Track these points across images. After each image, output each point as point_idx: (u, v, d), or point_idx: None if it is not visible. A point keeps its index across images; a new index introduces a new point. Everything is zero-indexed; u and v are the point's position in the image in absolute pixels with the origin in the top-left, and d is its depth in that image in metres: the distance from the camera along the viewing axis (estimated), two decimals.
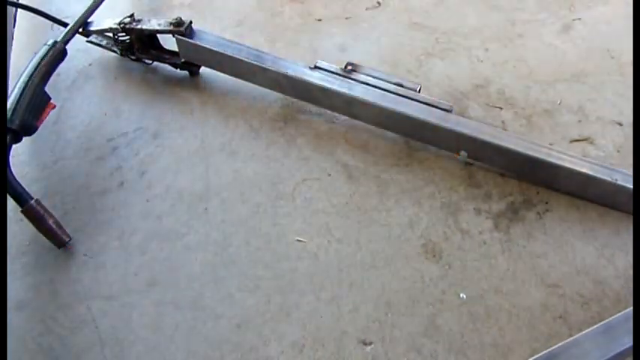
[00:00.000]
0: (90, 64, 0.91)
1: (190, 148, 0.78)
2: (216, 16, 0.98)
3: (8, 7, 0.90)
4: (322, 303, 0.63)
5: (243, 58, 0.79)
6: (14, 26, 0.98)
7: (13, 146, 0.79)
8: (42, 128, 0.81)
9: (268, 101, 0.84)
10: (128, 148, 0.79)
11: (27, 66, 0.71)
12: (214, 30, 0.96)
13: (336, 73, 0.77)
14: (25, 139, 0.80)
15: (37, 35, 0.97)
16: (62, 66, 0.90)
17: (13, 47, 0.94)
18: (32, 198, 0.65)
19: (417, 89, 0.76)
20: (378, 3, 1.00)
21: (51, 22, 0.91)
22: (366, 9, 0.99)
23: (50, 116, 0.83)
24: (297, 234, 0.69)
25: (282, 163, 0.76)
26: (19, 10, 0.98)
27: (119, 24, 0.83)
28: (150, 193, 0.73)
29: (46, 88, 0.87)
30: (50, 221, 0.65)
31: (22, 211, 0.65)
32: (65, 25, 0.88)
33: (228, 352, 0.60)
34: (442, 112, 0.73)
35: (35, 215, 0.65)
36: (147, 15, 0.99)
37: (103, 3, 1.04)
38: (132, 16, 0.84)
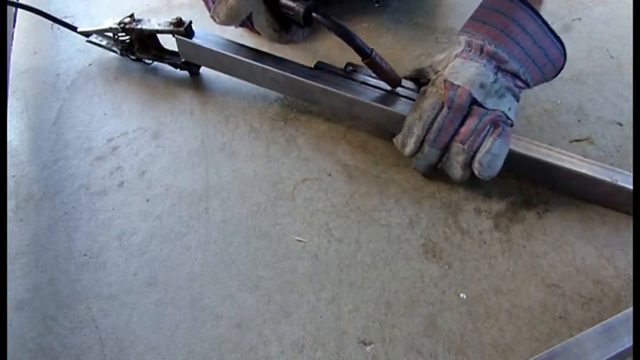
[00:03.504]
0: (90, 64, 0.91)
1: (190, 147, 0.78)
2: None
3: (8, 6, 0.90)
4: (322, 303, 0.63)
5: (243, 58, 0.79)
6: (14, 26, 0.98)
7: (14, 146, 0.79)
8: (42, 128, 0.81)
9: (268, 101, 0.84)
10: (128, 148, 0.79)
11: None
12: (214, 30, 0.96)
13: (337, 74, 0.77)
14: (24, 139, 0.80)
15: (37, 35, 0.97)
16: (62, 66, 0.91)
17: (13, 47, 0.94)
18: (372, 50, 0.69)
19: (418, 89, 0.75)
20: (378, 3, 1.00)
21: (51, 22, 0.91)
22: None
23: (50, 116, 0.83)
24: (297, 234, 0.69)
25: (282, 163, 0.76)
26: (19, 10, 0.98)
27: (119, 24, 0.83)
28: (150, 193, 0.73)
29: (46, 88, 0.87)
30: (387, 67, 0.71)
31: (364, 62, 0.70)
32: (66, 25, 0.89)
33: (228, 352, 0.60)
34: None
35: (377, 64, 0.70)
36: (147, 15, 0.99)
37: (104, 3, 1.04)
38: (132, 16, 0.84)
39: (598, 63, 0.89)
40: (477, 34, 0.67)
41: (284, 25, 0.73)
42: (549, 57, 0.67)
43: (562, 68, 0.69)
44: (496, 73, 0.65)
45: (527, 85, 0.68)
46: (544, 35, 0.66)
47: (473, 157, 0.66)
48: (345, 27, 0.69)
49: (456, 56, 0.68)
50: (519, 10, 0.66)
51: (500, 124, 0.65)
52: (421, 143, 0.68)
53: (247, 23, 0.74)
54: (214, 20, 0.74)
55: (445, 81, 0.65)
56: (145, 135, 0.80)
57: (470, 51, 0.67)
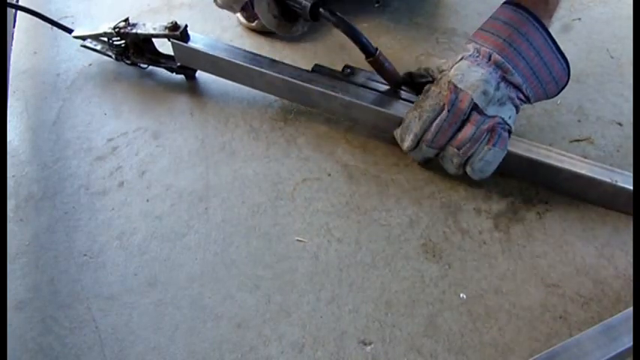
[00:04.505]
0: (90, 65, 0.91)
1: (190, 148, 0.78)
2: (216, 16, 0.98)
3: (8, 7, 0.90)
4: (322, 303, 0.63)
5: (239, 62, 0.79)
6: (14, 26, 0.98)
7: (13, 146, 0.79)
8: (42, 128, 0.82)
9: (268, 101, 0.84)
10: (128, 148, 0.79)
11: None
12: (215, 30, 0.96)
13: (334, 76, 0.77)
14: (24, 139, 0.81)
15: (37, 35, 0.97)
16: (62, 66, 0.91)
17: (13, 47, 0.94)
18: (377, 50, 0.70)
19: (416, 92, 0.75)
20: (378, 3, 1.00)
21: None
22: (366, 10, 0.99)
23: (50, 116, 0.83)
24: (297, 234, 0.69)
25: (282, 163, 0.76)
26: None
27: (114, 28, 0.83)
28: (150, 193, 0.73)
29: (46, 88, 0.87)
30: (390, 66, 0.72)
31: (368, 61, 0.70)
32: (62, 27, 0.88)
33: (228, 352, 0.60)
34: None
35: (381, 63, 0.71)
36: (147, 15, 0.99)
37: (104, 3, 1.04)
38: (127, 20, 0.84)
39: (598, 63, 0.89)
40: (485, 44, 0.67)
41: (285, 14, 0.73)
42: (553, 74, 0.67)
43: (565, 86, 0.69)
44: (499, 82, 0.65)
45: (528, 100, 0.68)
46: (550, 52, 0.66)
47: (467, 161, 0.67)
48: (351, 24, 0.69)
49: (462, 58, 0.68)
50: (528, 24, 0.66)
51: (497, 130, 0.65)
52: (418, 141, 0.69)
53: (248, 6, 0.74)
54: (215, 3, 0.74)
55: (449, 82, 0.66)
56: (145, 135, 0.80)
57: (477, 56, 0.67)
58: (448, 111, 0.65)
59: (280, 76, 0.77)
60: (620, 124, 0.79)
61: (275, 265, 0.66)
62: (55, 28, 0.91)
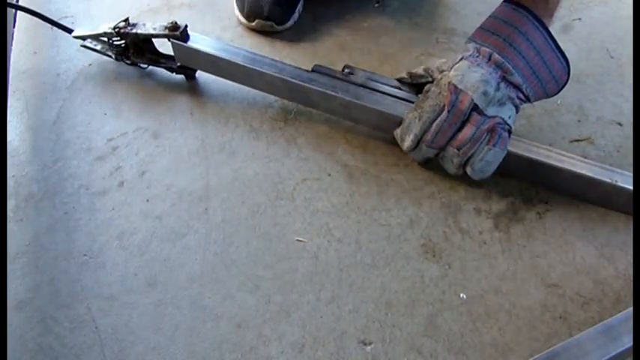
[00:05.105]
0: (90, 64, 0.91)
1: (190, 148, 0.78)
2: (216, 16, 0.98)
3: (8, 7, 0.90)
4: (322, 303, 0.63)
5: (239, 62, 0.79)
6: (14, 26, 0.98)
7: (14, 146, 0.79)
8: (42, 128, 0.81)
9: (268, 101, 0.84)
10: (128, 148, 0.79)
11: None
12: (215, 30, 0.96)
13: (334, 77, 0.77)
14: (24, 139, 0.80)
15: (37, 35, 0.97)
16: (62, 66, 0.91)
17: (13, 47, 0.94)
18: None
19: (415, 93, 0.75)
20: (378, 3, 1.00)
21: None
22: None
23: (50, 116, 0.83)
24: (297, 234, 0.69)
25: (282, 163, 0.76)
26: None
27: (114, 28, 0.83)
28: (150, 193, 0.73)
29: (46, 88, 0.87)
30: None
31: None
32: (62, 27, 0.88)
33: (228, 352, 0.60)
34: None
35: None
36: (147, 15, 0.99)
37: (104, 3, 1.04)
38: (127, 20, 0.83)
39: (598, 63, 0.89)
40: (484, 44, 0.67)
41: None
42: (553, 73, 0.67)
43: (565, 84, 0.69)
44: (499, 82, 0.66)
45: (528, 100, 0.68)
46: (550, 51, 0.66)
47: (467, 161, 0.67)
48: None
49: (462, 58, 0.68)
50: (528, 23, 0.66)
51: (497, 130, 0.66)
52: (418, 142, 0.69)
53: None
54: None
55: (449, 83, 0.66)
56: (145, 135, 0.80)
57: (477, 56, 0.67)
58: (448, 112, 0.65)
59: (280, 76, 0.77)
60: (620, 124, 0.80)
61: (275, 265, 0.66)
62: (55, 28, 0.91)
